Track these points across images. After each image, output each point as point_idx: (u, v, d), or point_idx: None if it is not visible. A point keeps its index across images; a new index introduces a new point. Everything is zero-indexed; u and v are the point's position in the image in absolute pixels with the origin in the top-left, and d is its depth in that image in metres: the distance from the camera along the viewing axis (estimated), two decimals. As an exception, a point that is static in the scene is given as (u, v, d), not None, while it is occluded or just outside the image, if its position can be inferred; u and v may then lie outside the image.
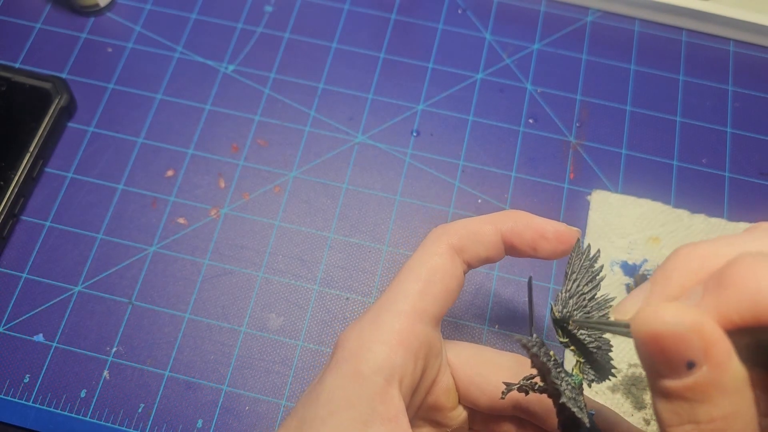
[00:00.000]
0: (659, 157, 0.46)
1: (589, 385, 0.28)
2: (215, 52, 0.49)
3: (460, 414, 0.32)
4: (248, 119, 0.47)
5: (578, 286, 0.29)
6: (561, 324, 0.28)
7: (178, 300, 0.42)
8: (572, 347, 0.28)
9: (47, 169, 0.45)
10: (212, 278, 0.42)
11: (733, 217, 0.45)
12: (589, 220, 0.44)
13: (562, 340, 0.28)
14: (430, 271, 0.29)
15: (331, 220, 0.44)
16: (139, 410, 0.39)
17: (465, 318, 0.42)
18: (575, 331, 0.28)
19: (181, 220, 0.44)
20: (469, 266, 0.31)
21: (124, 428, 0.38)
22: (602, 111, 0.48)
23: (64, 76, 0.48)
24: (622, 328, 0.23)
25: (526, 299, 0.29)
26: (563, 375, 0.26)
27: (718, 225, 0.44)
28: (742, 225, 0.44)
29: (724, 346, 0.19)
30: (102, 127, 0.46)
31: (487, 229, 0.30)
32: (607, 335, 0.29)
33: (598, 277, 0.29)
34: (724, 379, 0.19)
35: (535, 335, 0.26)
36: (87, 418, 0.38)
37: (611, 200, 0.45)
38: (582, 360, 0.28)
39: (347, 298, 0.42)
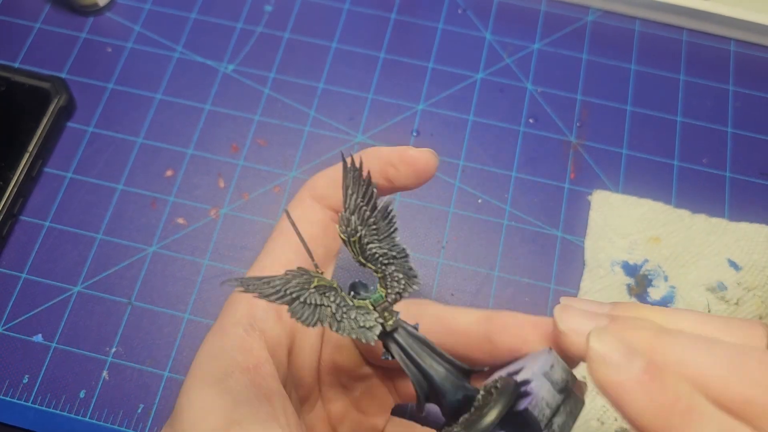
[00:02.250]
0: (660, 157, 0.46)
1: (397, 298, 0.26)
2: (215, 52, 0.49)
3: (367, 373, 0.31)
4: (248, 119, 0.47)
5: (356, 200, 0.27)
6: (350, 243, 0.26)
7: (178, 300, 0.41)
8: (369, 264, 0.27)
9: (46, 169, 0.45)
10: (212, 278, 0.42)
11: (734, 217, 0.45)
12: (589, 220, 0.44)
13: (358, 259, 0.27)
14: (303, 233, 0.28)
15: (331, 220, 0.44)
16: (139, 411, 0.39)
17: (465, 318, 0.42)
18: (366, 245, 0.27)
19: (181, 221, 0.44)
20: (336, 210, 0.30)
21: (123, 429, 0.38)
22: (603, 111, 0.48)
23: (63, 76, 0.48)
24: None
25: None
26: (341, 303, 0.25)
27: (719, 225, 0.44)
28: (743, 225, 0.44)
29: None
30: (101, 127, 0.46)
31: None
32: (399, 242, 0.27)
33: (372, 188, 0.27)
34: None
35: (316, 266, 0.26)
36: (86, 419, 0.38)
37: (612, 200, 0.44)
38: (381, 274, 0.27)
39: (347, 299, 0.42)
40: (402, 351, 0.26)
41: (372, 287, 0.27)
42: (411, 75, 0.49)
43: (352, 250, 0.26)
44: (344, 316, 0.25)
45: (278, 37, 0.50)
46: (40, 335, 0.40)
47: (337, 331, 0.25)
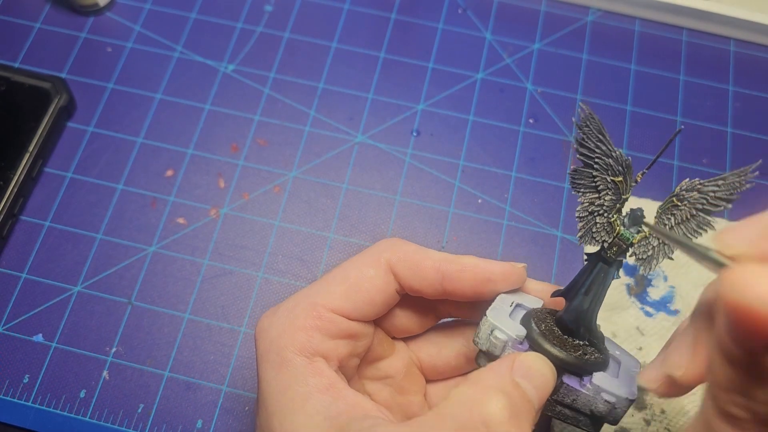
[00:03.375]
0: (660, 157, 0.46)
1: (630, 254, 0.28)
2: (215, 52, 0.49)
3: (400, 356, 0.33)
4: (248, 119, 0.47)
5: (712, 192, 0.28)
6: (670, 198, 0.28)
7: (178, 300, 0.41)
8: (655, 219, 0.28)
9: (47, 169, 0.45)
10: (212, 278, 0.42)
11: (733, 217, 0.45)
12: (589, 220, 0.44)
13: (658, 209, 0.28)
14: (360, 278, 0.30)
15: (331, 220, 0.44)
16: (139, 410, 0.39)
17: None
18: (668, 215, 0.28)
19: (181, 220, 0.44)
20: (403, 290, 0.31)
21: (123, 428, 0.38)
22: (603, 111, 0.48)
23: (63, 75, 0.48)
24: (710, 261, 0.20)
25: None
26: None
27: (719, 225, 0.44)
28: (743, 225, 0.44)
29: None
30: (101, 127, 0.46)
31: (427, 264, 0.30)
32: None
33: (729, 201, 0.28)
34: None
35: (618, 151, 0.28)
36: (86, 419, 0.38)
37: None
38: (646, 235, 0.28)
39: (347, 299, 0.42)
40: (589, 273, 0.28)
41: (635, 227, 0.28)
42: (411, 75, 0.49)
43: (665, 201, 0.28)
44: (596, 214, 0.28)
45: (278, 37, 0.50)
46: (40, 335, 0.40)
47: (578, 212, 0.28)
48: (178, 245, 0.43)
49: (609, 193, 0.28)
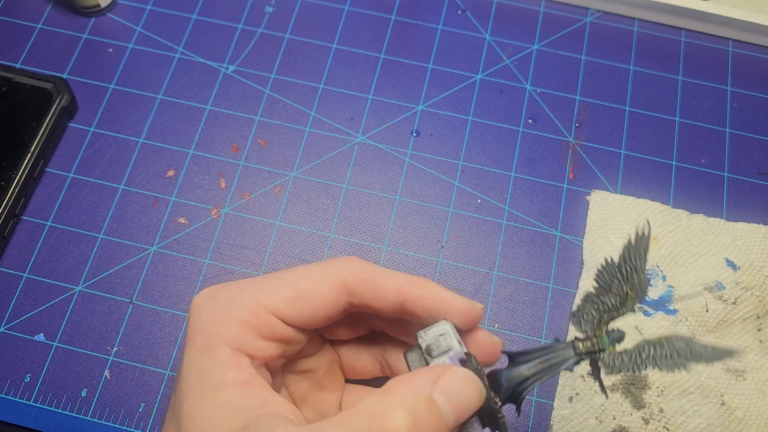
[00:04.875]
0: (658, 157, 0.47)
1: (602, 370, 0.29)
2: (216, 53, 0.49)
3: (325, 354, 0.33)
4: (249, 119, 0.47)
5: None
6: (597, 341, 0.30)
7: (179, 300, 0.42)
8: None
9: (48, 169, 0.45)
10: (213, 278, 0.42)
11: (731, 217, 0.45)
12: (588, 220, 0.44)
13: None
14: (311, 291, 0.29)
15: (331, 220, 0.44)
16: (140, 410, 0.39)
17: (465, 317, 0.42)
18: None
19: (182, 220, 0.44)
20: (354, 307, 0.31)
21: (125, 428, 0.38)
22: (601, 111, 0.48)
23: (65, 76, 0.48)
24: None
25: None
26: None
27: (717, 225, 0.44)
28: (741, 225, 0.44)
29: None
30: (103, 128, 0.47)
31: (388, 286, 0.30)
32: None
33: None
34: None
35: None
36: (88, 418, 0.39)
37: (610, 200, 0.45)
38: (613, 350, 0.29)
39: (347, 298, 0.42)
40: (553, 356, 0.29)
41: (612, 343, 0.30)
42: (411, 75, 0.49)
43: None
44: (592, 312, 0.30)
45: (279, 38, 0.50)
46: (41, 334, 0.41)
47: (583, 300, 0.30)
48: (180, 245, 0.43)
49: (617, 299, 0.29)
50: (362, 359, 0.34)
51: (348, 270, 0.30)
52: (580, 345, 0.29)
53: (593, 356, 0.29)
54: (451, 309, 0.29)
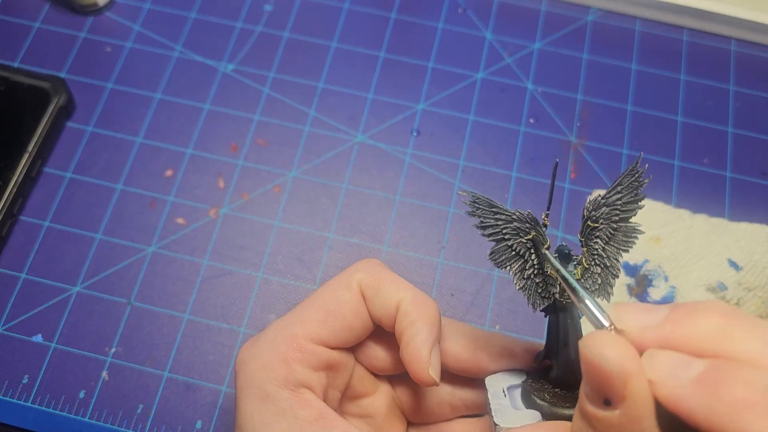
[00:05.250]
0: (660, 156, 0.46)
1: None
2: (214, 52, 0.49)
3: (382, 396, 0.32)
4: (248, 119, 0.47)
5: (618, 200, 0.28)
6: (584, 221, 0.28)
7: (177, 300, 0.41)
8: (584, 249, 0.28)
9: (46, 169, 0.45)
10: (211, 278, 0.42)
11: (734, 217, 0.44)
12: (589, 220, 0.44)
13: (580, 238, 0.28)
14: (336, 303, 0.29)
15: (331, 220, 0.44)
16: (138, 411, 0.39)
17: (466, 318, 0.41)
18: (594, 236, 0.28)
19: (180, 221, 0.44)
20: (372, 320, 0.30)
21: (123, 429, 0.38)
22: (603, 110, 0.48)
23: (62, 75, 0.48)
24: (594, 319, 0.22)
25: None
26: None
27: (720, 225, 0.44)
28: (744, 225, 0.44)
29: (642, 399, 0.19)
30: (101, 127, 0.46)
31: (390, 294, 0.29)
32: (620, 261, 0.28)
33: (636, 202, 0.28)
34: (633, 429, 0.20)
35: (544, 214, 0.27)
36: (86, 419, 0.38)
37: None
38: (585, 267, 0.28)
39: (347, 299, 0.42)
40: (557, 326, 0.28)
41: (571, 263, 0.28)
42: (411, 75, 0.49)
43: (582, 228, 0.28)
44: (532, 276, 0.28)
45: (278, 37, 0.50)
46: (39, 335, 0.40)
47: (516, 284, 0.27)
48: (178, 245, 0.43)
49: (531, 252, 0.28)
50: (426, 400, 0.32)
51: (362, 272, 0.29)
52: (564, 301, 0.28)
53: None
54: (404, 357, 0.28)
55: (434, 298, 0.42)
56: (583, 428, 0.21)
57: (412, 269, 0.43)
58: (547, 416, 0.27)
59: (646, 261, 0.42)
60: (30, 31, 0.49)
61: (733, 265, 0.42)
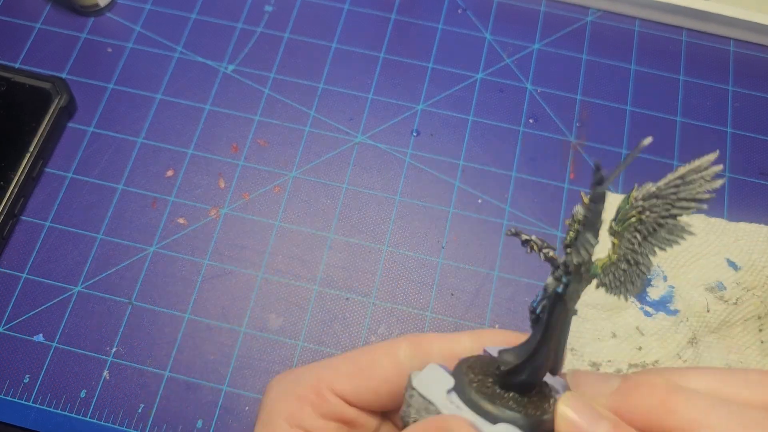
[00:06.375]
0: (659, 157, 0.46)
1: (597, 286, 0.27)
2: (215, 52, 0.49)
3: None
4: (248, 119, 0.47)
5: (673, 193, 0.26)
6: (627, 213, 0.25)
7: (178, 300, 0.42)
8: (615, 241, 0.26)
9: (47, 169, 0.45)
10: (212, 278, 0.42)
11: (732, 217, 0.45)
12: (589, 220, 0.44)
13: (614, 227, 0.26)
14: (370, 365, 0.28)
15: (331, 220, 0.44)
16: (139, 410, 0.39)
17: (465, 318, 0.42)
18: (632, 230, 0.26)
19: (181, 221, 0.44)
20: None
21: (123, 428, 0.38)
22: (602, 111, 0.48)
23: (64, 76, 0.48)
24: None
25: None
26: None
27: (718, 225, 0.44)
28: (742, 225, 0.44)
29: None
30: (102, 128, 0.46)
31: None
32: (649, 260, 0.27)
33: (696, 200, 0.24)
34: None
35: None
36: (87, 419, 0.38)
37: (611, 200, 0.44)
38: (612, 260, 0.26)
39: (347, 299, 0.42)
40: (559, 328, 0.26)
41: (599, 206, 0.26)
42: (411, 75, 0.49)
43: (618, 218, 0.26)
44: (566, 252, 0.26)
45: (278, 37, 0.50)
46: (40, 335, 0.40)
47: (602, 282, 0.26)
48: (179, 245, 0.43)
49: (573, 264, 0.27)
50: None
51: (410, 347, 0.28)
52: (569, 286, 0.25)
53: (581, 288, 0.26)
54: None
55: (434, 298, 0.42)
56: None
57: (412, 269, 0.43)
58: (526, 428, 0.25)
59: (645, 261, 0.43)
60: (31, 32, 0.50)
61: (732, 264, 0.42)
